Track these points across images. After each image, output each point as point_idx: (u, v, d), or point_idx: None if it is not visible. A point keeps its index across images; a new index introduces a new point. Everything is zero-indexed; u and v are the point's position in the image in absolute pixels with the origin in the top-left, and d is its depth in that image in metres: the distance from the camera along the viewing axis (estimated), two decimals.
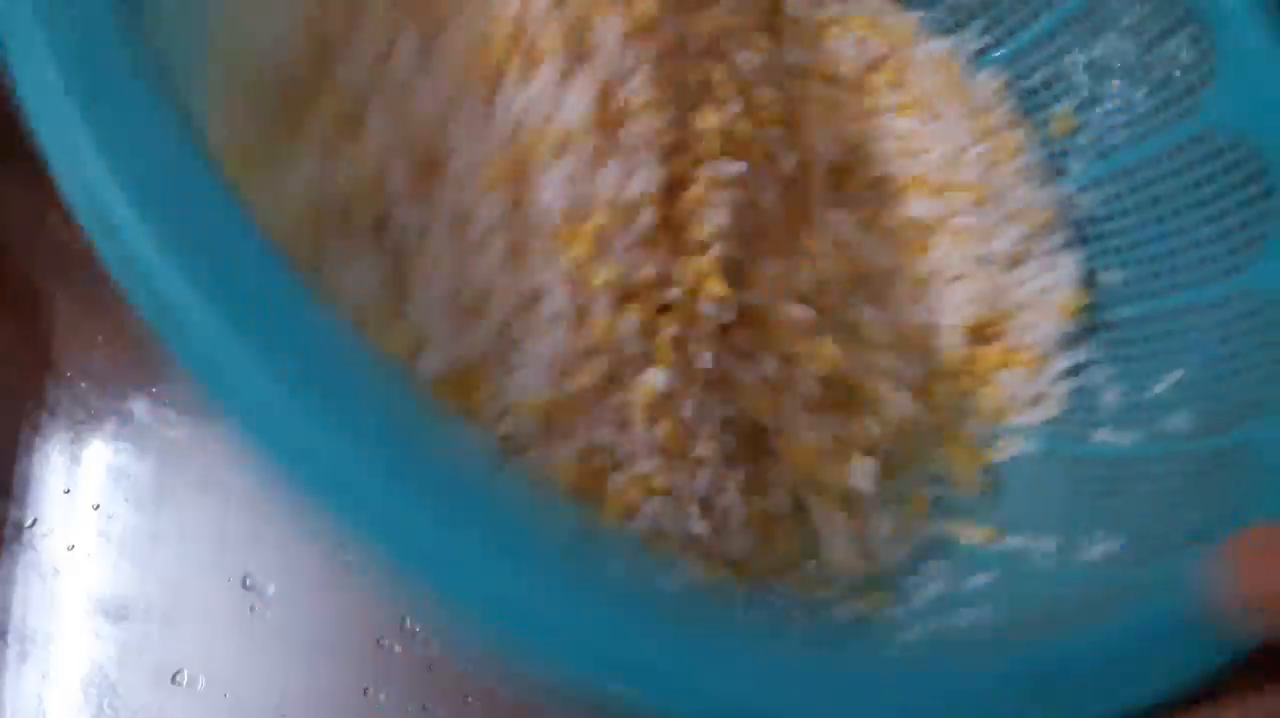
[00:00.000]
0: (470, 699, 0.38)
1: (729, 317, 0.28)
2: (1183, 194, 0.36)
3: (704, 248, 0.28)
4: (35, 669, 0.40)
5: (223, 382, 0.17)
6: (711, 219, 0.28)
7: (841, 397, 0.31)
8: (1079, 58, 0.39)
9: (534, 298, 0.26)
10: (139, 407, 0.45)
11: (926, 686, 0.19)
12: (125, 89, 0.19)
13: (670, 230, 0.28)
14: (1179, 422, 0.32)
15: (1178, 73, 0.36)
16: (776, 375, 0.29)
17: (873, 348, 0.33)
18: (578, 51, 0.27)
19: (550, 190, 0.26)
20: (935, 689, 0.19)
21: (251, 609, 0.40)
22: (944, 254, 0.37)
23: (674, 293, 0.27)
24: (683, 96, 0.29)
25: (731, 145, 0.29)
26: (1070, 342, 0.36)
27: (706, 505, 0.28)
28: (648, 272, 0.27)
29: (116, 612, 0.41)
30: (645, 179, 0.27)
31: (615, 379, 0.27)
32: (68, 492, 0.44)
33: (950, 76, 0.40)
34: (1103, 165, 0.39)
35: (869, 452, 0.31)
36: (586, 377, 0.26)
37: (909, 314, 0.35)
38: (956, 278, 0.36)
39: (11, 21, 0.19)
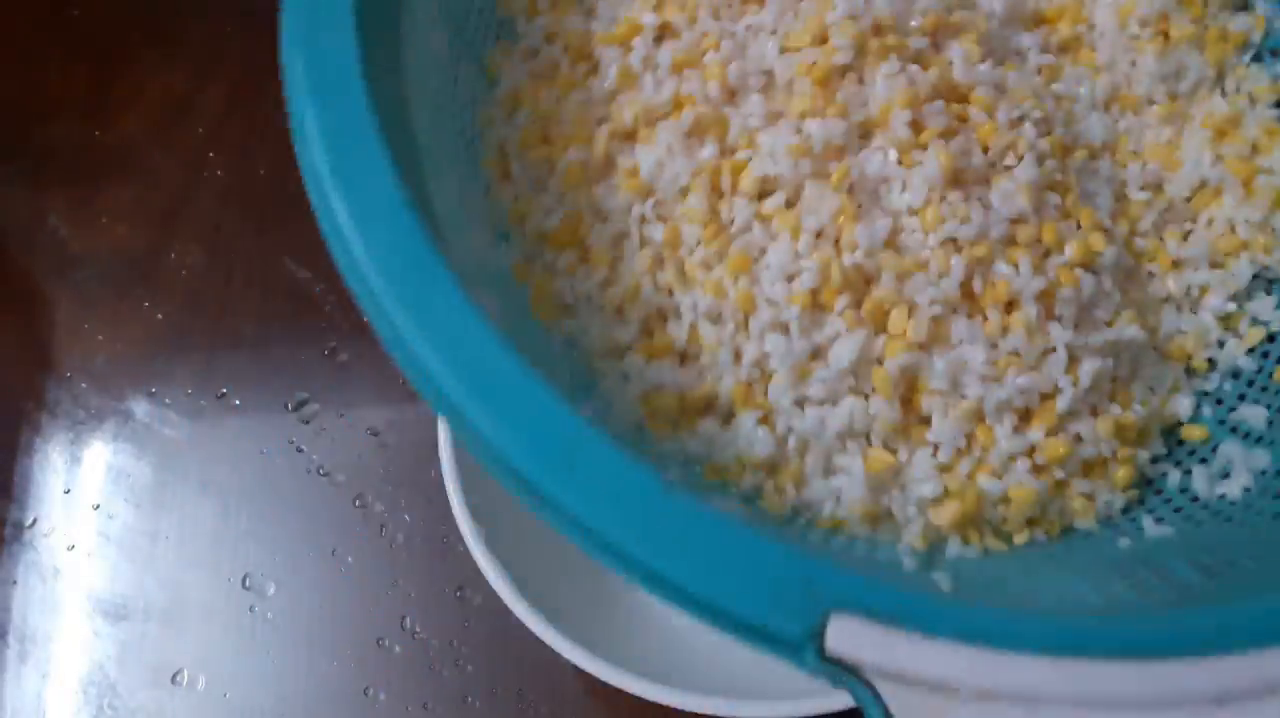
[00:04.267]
0: (470, 699, 0.38)
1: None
2: None
3: None
4: (35, 669, 0.40)
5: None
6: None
7: None
8: None
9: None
10: (139, 407, 0.45)
11: None
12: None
13: None
14: None
15: None
16: None
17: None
18: None
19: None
20: None
21: (251, 609, 0.40)
22: None
23: None
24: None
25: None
26: None
27: None
28: None
29: (116, 612, 0.41)
30: None
31: None
32: (68, 492, 0.44)
33: None
34: None
35: None
36: None
37: None
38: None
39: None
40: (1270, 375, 0.32)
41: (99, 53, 0.55)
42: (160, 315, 0.47)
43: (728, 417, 0.29)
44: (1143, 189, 0.35)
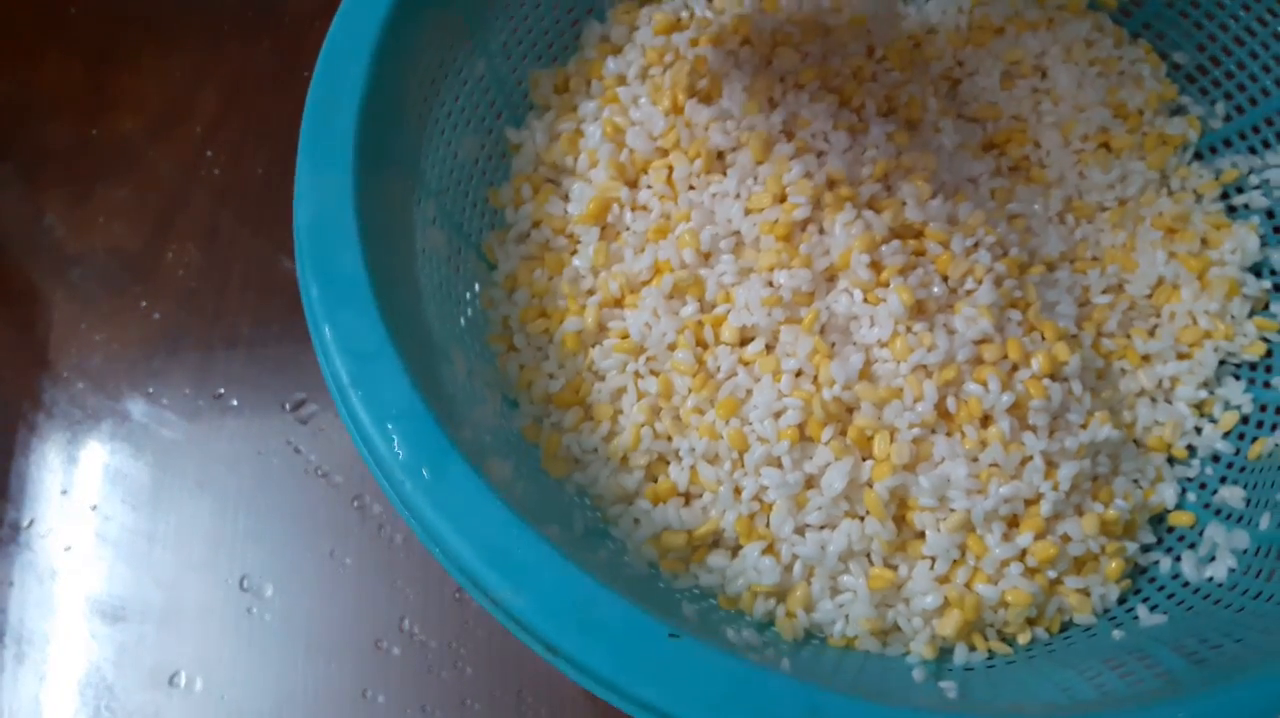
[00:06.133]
0: (469, 701, 0.38)
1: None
2: None
3: None
4: (32, 671, 0.40)
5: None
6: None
7: None
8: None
9: None
10: (136, 407, 0.45)
11: None
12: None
13: None
14: None
15: None
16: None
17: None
18: None
19: None
20: None
21: (249, 611, 0.40)
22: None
23: None
24: None
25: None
26: None
27: None
28: None
29: (114, 613, 0.41)
30: None
31: None
32: (65, 492, 0.43)
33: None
34: None
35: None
36: None
37: None
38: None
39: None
40: (1247, 455, 0.34)
41: (96, 52, 0.54)
42: (157, 315, 0.47)
43: (734, 550, 0.31)
44: (1105, 292, 0.36)
